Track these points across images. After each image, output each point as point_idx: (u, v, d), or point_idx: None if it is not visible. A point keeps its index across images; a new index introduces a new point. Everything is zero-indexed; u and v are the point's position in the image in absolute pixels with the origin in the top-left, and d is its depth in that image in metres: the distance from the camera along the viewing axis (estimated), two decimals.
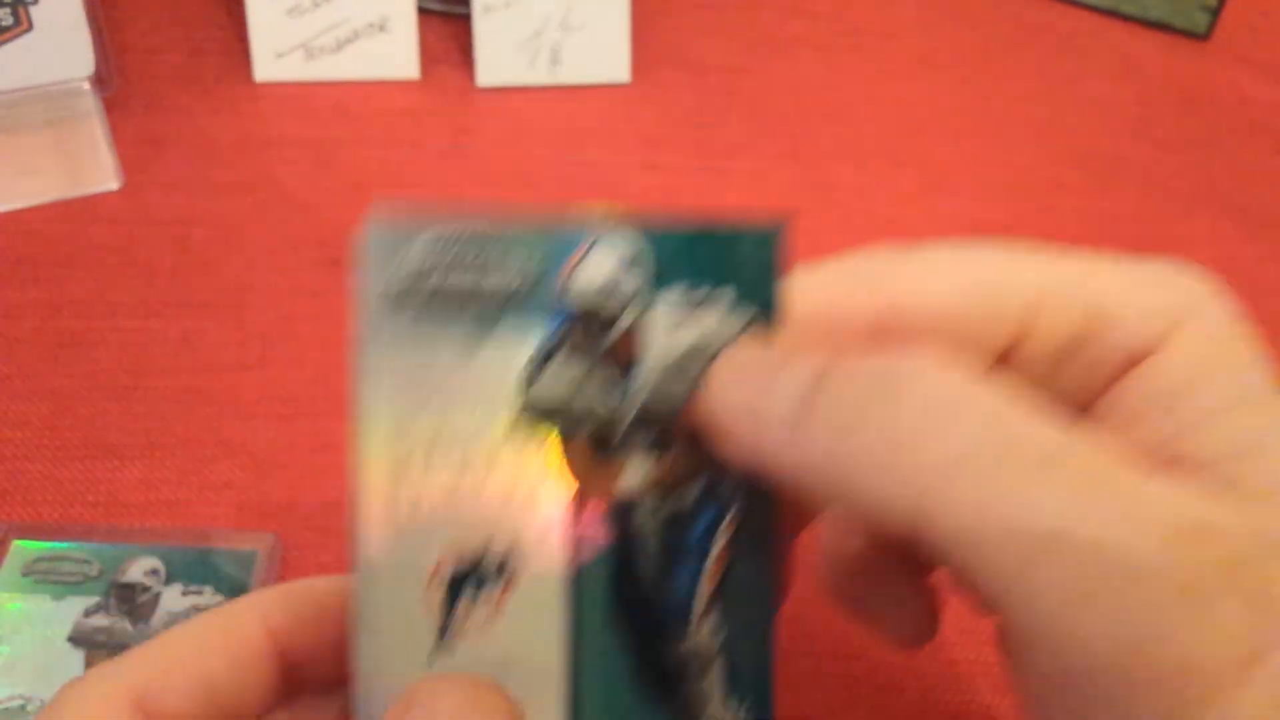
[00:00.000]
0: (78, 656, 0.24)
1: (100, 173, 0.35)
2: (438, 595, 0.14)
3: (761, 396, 0.13)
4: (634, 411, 0.15)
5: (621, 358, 0.15)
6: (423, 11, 0.42)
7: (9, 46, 0.34)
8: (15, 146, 0.35)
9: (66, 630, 0.25)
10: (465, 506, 0.14)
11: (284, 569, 0.27)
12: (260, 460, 0.29)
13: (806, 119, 0.43)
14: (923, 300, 0.15)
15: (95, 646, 0.25)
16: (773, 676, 0.15)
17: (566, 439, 0.15)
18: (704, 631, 0.15)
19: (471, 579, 0.14)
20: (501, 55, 0.41)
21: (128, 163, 0.36)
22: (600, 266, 0.15)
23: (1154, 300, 0.14)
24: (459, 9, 0.43)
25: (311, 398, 0.31)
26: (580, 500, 0.15)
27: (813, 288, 0.15)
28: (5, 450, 0.28)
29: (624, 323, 0.15)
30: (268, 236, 0.35)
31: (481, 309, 0.14)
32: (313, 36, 0.40)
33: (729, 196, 0.39)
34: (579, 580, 0.15)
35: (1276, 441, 0.13)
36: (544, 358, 0.14)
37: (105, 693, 0.15)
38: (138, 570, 0.26)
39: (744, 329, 0.15)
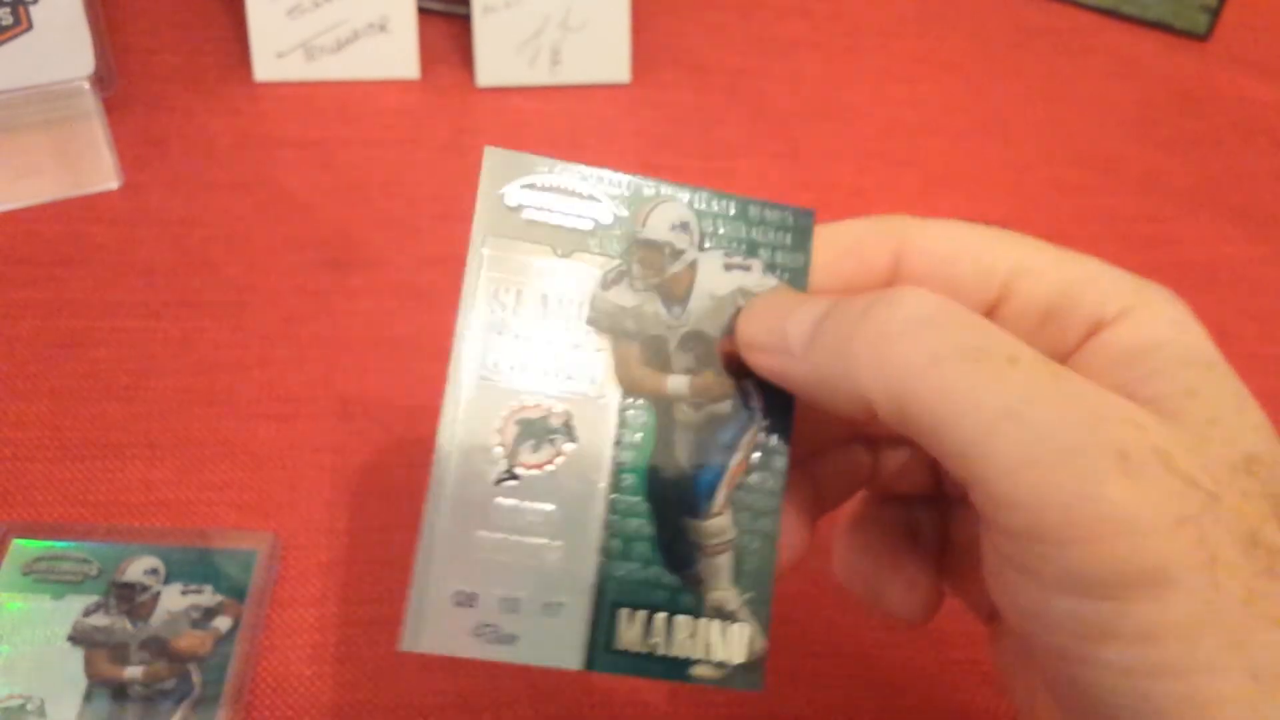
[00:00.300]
0: (77, 655, 0.24)
1: (100, 172, 0.35)
2: (512, 430, 0.17)
3: (782, 323, 0.17)
4: (681, 333, 0.18)
5: (675, 292, 0.18)
6: (423, 11, 0.42)
7: (9, 46, 0.34)
8: (15, 146, 0.35)
9: (66, 629, 0.25)
10: (541, 374, 0.18)
11: (283, 568, 0.27)
12: (260, 460, 0.29)
13: (806, 118, 0.43)
14: (923, 254, 0.18)
15: (94, 645, 0.25)
16: (772, 577, 0.18)
17: (624, 344, 0.18)
18: (722, 518, 0.18)
19: (538, 426, 0.18)
20: (501, 55, 0.41)
21: (128, 162, 0.36)
22: (665, 219, 0.18)
23: (1116, 285, 0.17)
24: (459, 9, 0.43)
25: (312, 398, 0.31)
26: (630, 393, 0.18)
27: (836, 236, 0.19)
28: (5, 450, 0.28)
29: (679, 266, 0.18)
30: (268, 236, 0.35)
31: (574, 230, 0.18)
32: (313, 36, 0.40)
33: None
34: (623, 452, 0.18)
35: (1211, 389, 0.16)
36: (614, 279, 0.18)
37: None
38: (137, 569, 0.26)
39: (775, 282, 0.19)
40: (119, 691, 0.24)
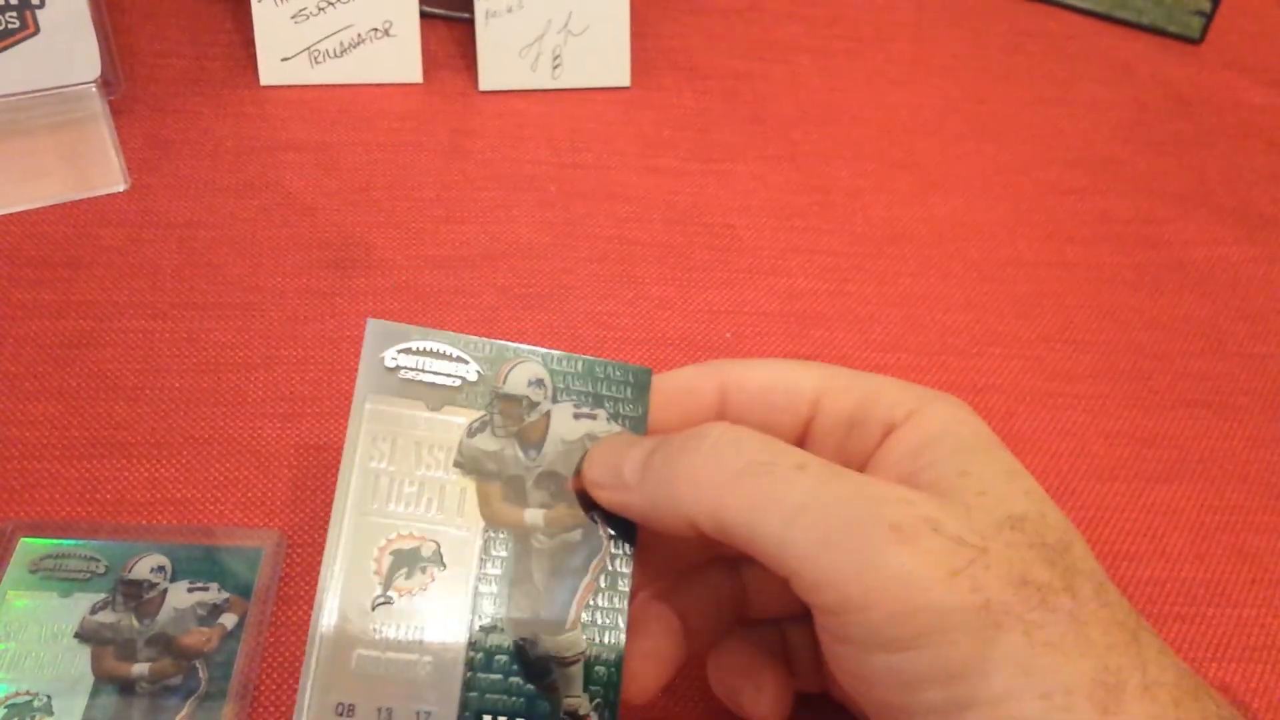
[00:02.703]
0: (84, 653, 0.25)
1: (107, 175, 0.36)
2: (387, 560, 0.20)
3: (619, 463, 0.20)
4: (537, 472, 0.21)
5: (531, 437, 0.21)
6: (426, 16, 0.42)
7: (16, 50, 0.35)
8: (23, 149, 0.36)
9: (73, 626, 0.25)
10: (413, 511, 0.20)
11: (288, 565, 0.27)
12: (265, 459, 0.29)
13: (804, 122, 0.43)
14: (742, 390, 0.21)
15: (102, 642, 0.25)
16: (619, 684, 0.20)
17: (487, 483, 0.21)
18: (575, 633, 0.20)
19: (411, 555, 0.20)
20: (504, 59, 0.41)
21: (135, 165, 0.37)
22: (523, 376, 0.21)
23: (903, 394, 0.20)
24: (461, 14, 0.44)
25: (316, 397, 0.31)
26: (492, 525, 0.20)
27: (672, 382, 0.22)
28: (13, 449, 0.29)
29: (535, 415, 0.21)
30: (273, 238, 0.35)
31: (444, 387, 0.21)
32: (317, 41, 0.40)
33: (728, 199, 0.40)
34: (485, 577, 0.20)
35: (980, 468, 0.18)
36: (479, 428, 0.21)
37: None
38: (144, 567, 0.26)
39: (619, 428, 0.22)
40: (126, 688, 0.24)
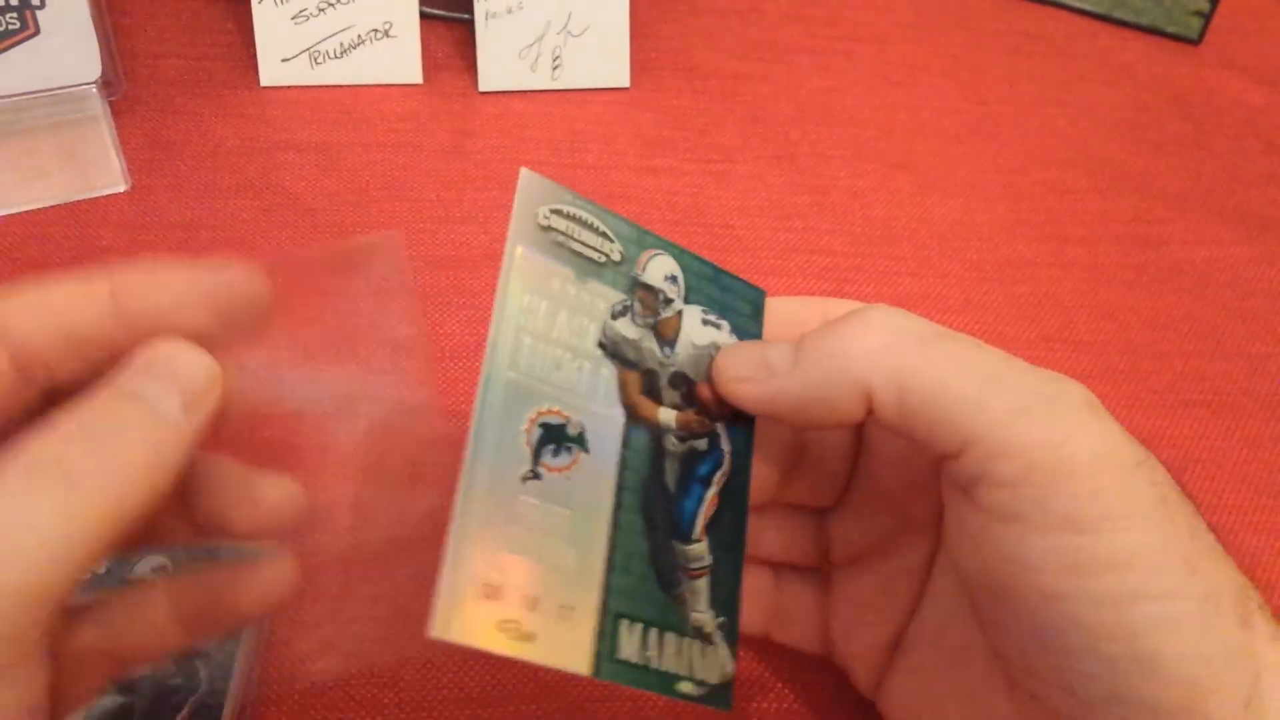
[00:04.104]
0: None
1: (108, 175, 0.36)
2: (537, 433, 0.18)
3: (762, 355, 0.20)
4: (671, 371, 0.20)
5: (666, 333, 0.20)
6: (426, 17, 0.42)
7: (17, 51, 0.35)
8: (23, 149, 0.36)
9: None
10: (561, 384, 0.19)
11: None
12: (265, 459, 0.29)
13: (803, 123, 0.44)
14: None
15: None
16: (739, 606, 0.20)
17: (627, 371, 0.20)
18: (702, 544, 0.19)
19: (560, 432, 0.18)
20: (503, 60, 0.41)
21: (135, 166, 0.37)
22: (661, 268, 0.21)
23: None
24: (461, 15, 0.44)
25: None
26: (632, 416, 0.19)
27: (781, 306, 0.22)
28: None
29: (669, 312, 0.21)
30: (273, 238, 0.35)
31: (591, 260, 0.20)
32: (318, 42, 0.40)
33: (727, 199, 0.40)
34: (626, 470, 0.19)
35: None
36: (621, 312, 0.20)
37: None
38: (145, 568, 0.26)
39: (743, 333, 0.21)
40: (125, 689, 0.24)
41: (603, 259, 0.20)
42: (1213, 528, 0.16)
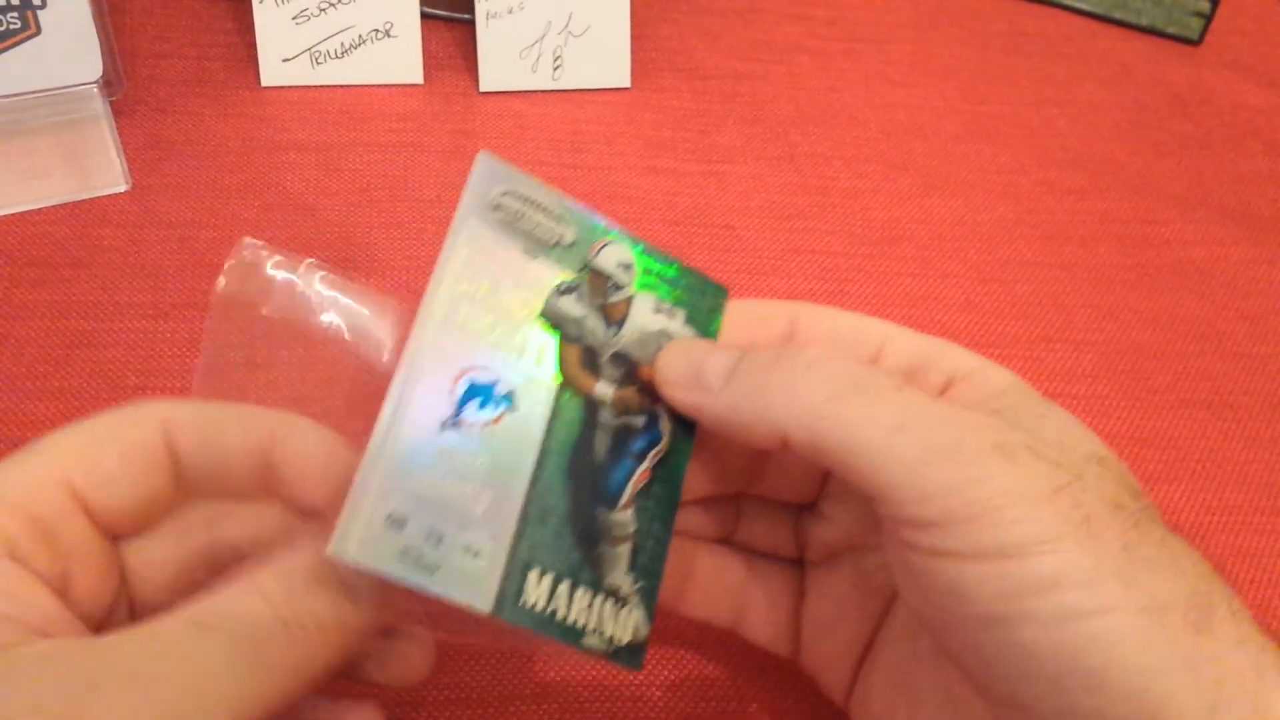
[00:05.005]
0: None
1: (109, 175, 0.36)
2: (463, 386, 0.19)
3: (699, 365, 0.20)
4: (613, 350, 0.21)
5: (613, 315, 0.21)
6: (426, 17, 0.42)
7: (17, 50, 0.35)
8: (24, 149, 0.36)
9: None
10: (495, 346, 0.19)
11: None
12: None
13: (803, 123, 0.44)
14: (813, 324, 0.22)
15: None
16: (661, 575, 0.20)
17: (567, 344, 0.20)
18: (626, 513, 0.20)
19: (487, 389, 0.19)
20: (504, 60, 0.42)
21: (136, 166, 0.37)
22: (614, 256, 0.21)
23: (964, 354, 0.21)
24: (462, 15, 0.44)
25: (317, 397, 0.31)
26: (566, 385, 0.20)
27: (746, 307, 0.22)
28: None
29: (618, 297, 0.21)
30: (274, 238, 0.35)
31: (539, 239, 0.20)
32: (318, 42, 0.40)
33: (727, 199, 0.40)
34: (552, 433, 0.20)
35: (1055, 416, 0.19)
36: (567, 290, 0.21)
37: (41, 475, 0.18)
38: None
39: (693, 333, 0.22)
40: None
41: (554, 239, 0.20)
42: (1204, 528, 0.16)
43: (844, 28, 0.49)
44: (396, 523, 0.17)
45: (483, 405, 0.19)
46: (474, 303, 0.19)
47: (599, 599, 0.19)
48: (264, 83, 0.40)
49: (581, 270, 0.21)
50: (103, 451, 0.18)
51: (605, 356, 0.21)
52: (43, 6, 0.35)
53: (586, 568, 0.19)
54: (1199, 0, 0.51)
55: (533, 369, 0.20)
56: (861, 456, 0.18)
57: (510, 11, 0.41)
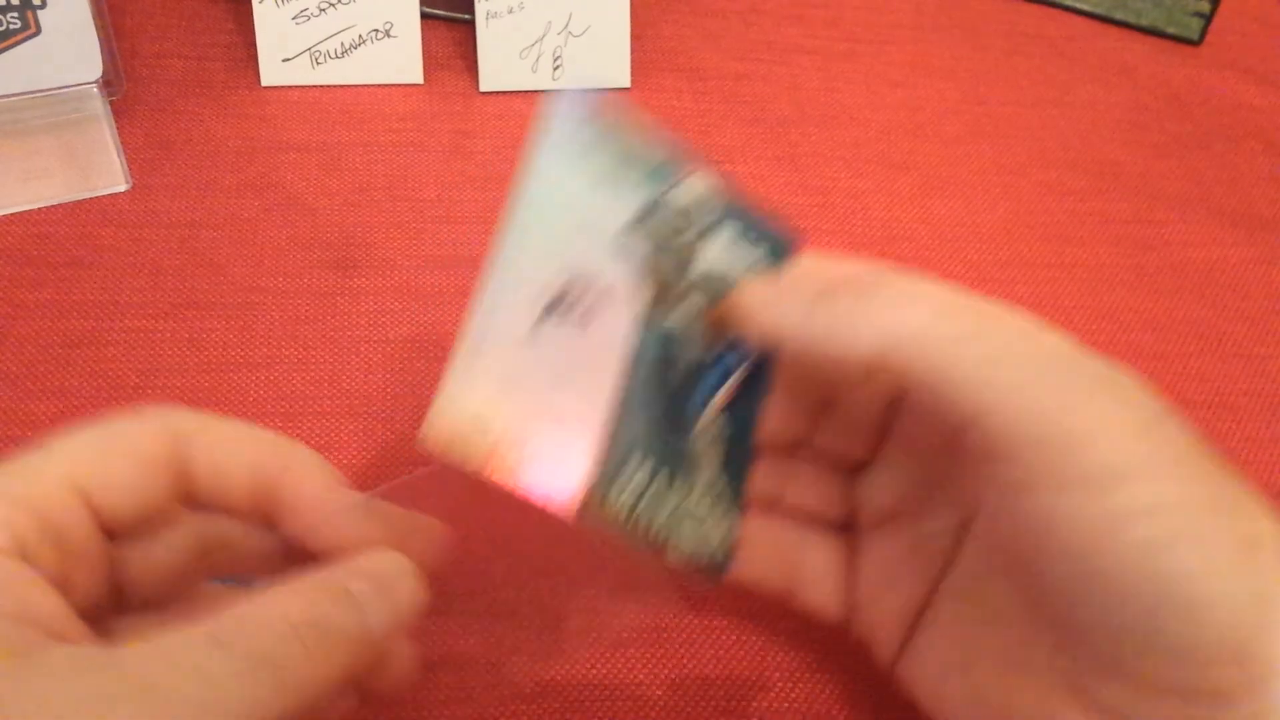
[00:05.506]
0: None
1: (109, 175, 0.36)
2: (564, 278, 0.20)
3: (788, 290, 0.20)
4: (692, 278, 0.21)
5: (692, 247, 0.21)
6: (426, 17, 0.42)
7: (17, 50, 0.35)
8: (25, 149, 0.36)
9: None
10: (589, 247, 0.20)
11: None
12: None
13: (803, 123, 0.44)
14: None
15: None
16: (746, 482, 0.21)
17: (648, 270, 0.21)
18: (713, 425, 0.21)
19: (567, 301, 0.20)
20: (504, 60, 0.42)
21: (136, 165, 0.37)
22: (694, 189, 0.21)
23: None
24: (462, 15, 0.44)
25: (317, 397, 0.31)
26: (645, 310, 0.21)
27: (816, 260, 0.22)
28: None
29: (691, 233, 0.21)
30: (274, 238, 0.35)
31: (621, 169, 0.21)
32: (318, 42, 0.40)
33: None
34: (643, 341, 0.20)
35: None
36: (647, 214, 0.21)
37: (51, 476, 0.18)
38: None
39: (767, 270, 0.22)
40: None
41: (637, 168, 0.21)
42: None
43: (844, 28, 0.49)
44: (484, 419, 0.18)
45: (569, 312, 0.20)
46: (571, 199, 0.20)
47: (692, 501, 0.20)
48: (264, 83, 0.40)
49: (658, 201, 0.21)
50: (113, 457, 0.18)
51: (684, 284, 0.21)
52: (43, 6, 0.35)
53: (681, 458, 0.20)
54: (1199, 0, 0.51)
55: (615, 289, 0.20)
56: (971, 375, 0.18)
57: (510, 11, 0.41)
